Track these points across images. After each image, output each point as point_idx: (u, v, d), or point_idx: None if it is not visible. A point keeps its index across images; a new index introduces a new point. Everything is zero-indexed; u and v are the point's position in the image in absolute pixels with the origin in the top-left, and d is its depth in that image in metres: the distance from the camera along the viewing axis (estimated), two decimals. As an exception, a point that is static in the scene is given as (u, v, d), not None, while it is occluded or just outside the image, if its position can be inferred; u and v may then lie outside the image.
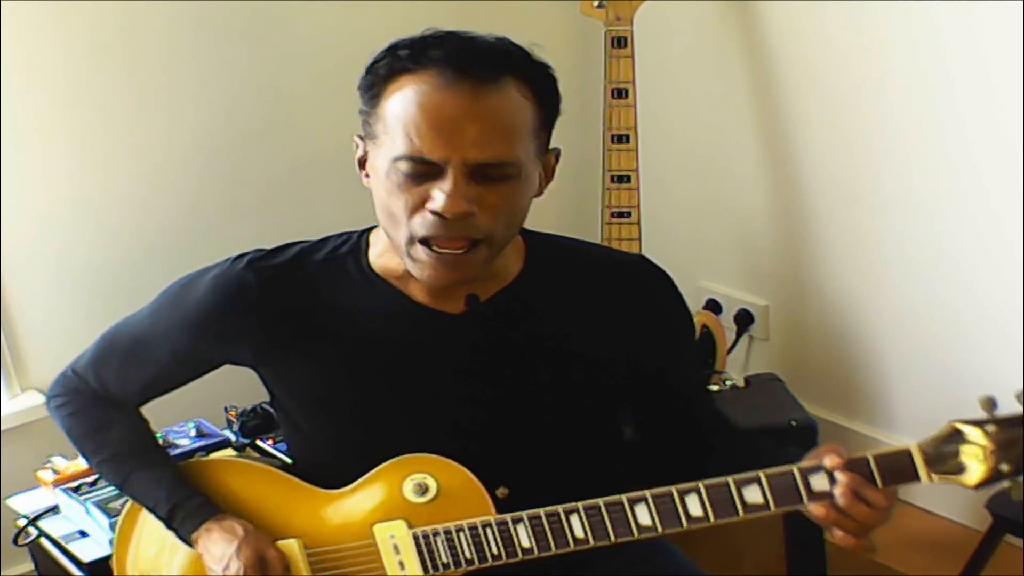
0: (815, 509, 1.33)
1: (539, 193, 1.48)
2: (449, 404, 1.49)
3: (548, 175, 1.48)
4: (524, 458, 1.49)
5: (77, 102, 2.43)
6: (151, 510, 1.58)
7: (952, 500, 2.61)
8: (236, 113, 2.61)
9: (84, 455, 1.66)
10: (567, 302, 1.51)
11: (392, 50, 1.41)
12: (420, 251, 1.39)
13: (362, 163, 1.46)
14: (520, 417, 1.49)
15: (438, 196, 1.35)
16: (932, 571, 2.46)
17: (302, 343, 1.49)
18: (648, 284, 1.55)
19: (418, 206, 1.37)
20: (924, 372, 2.64)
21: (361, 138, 1.46)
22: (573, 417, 1.52)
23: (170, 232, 2.59)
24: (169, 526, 1.56)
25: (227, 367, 1.59)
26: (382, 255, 1.50)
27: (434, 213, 1.36)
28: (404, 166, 1.36)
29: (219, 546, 1.51)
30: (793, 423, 2.34)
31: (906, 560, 2.49)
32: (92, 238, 2.51)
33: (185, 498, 1.56)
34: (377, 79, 1.40)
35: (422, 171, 1.36)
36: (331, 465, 1.52)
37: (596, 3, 2.58)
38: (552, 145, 1.46)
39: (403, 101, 1.37)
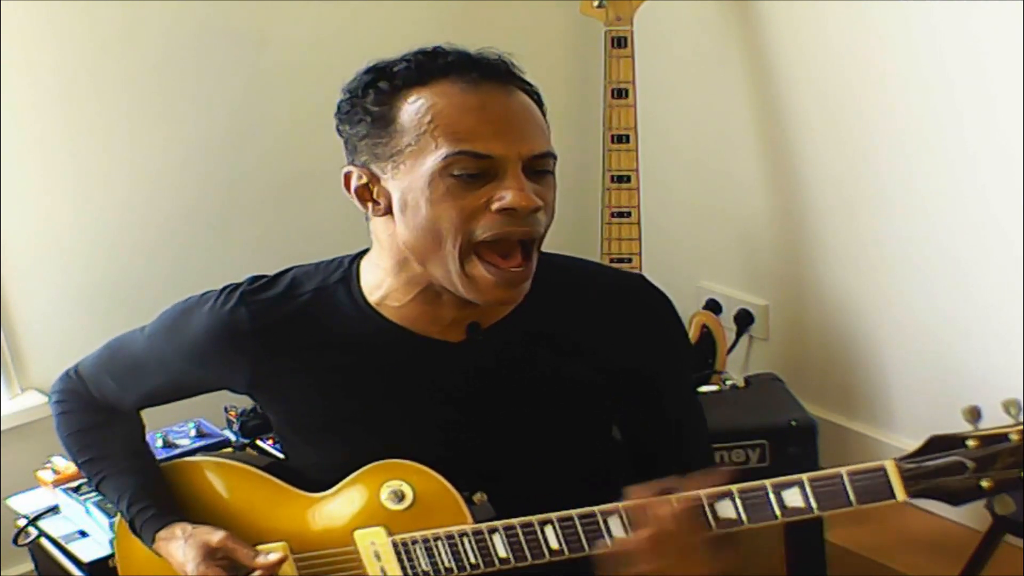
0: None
1: None
2: (442, 431, 1.48)
3: None
4: (507, 468, 1.48)
5: (77, 105, 2.44)
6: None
7: (952, 500, 2.61)
8: (236, 118, 2.62)
9: (70, 455, 1.69)
10: (568, 329, 1.48)
11: (384, 70, 1.37)
12: (479, 268, 1.34)
13: (364, 194, 1.41)
14: (510, 439, 1.48)
15: (507, 193, 1.30)
16: (932, 571, 2.45)
17: (294, 375, 1.49)
18: (649, 308, 1.52)
19: (478, 210, 1.32)
20: (924, 372, 2.63)
21: (359, 166, 1.40)
22: (562, 438, 1.51)
23: (170, 234, 2.60)
24: (136, 534, 1.61)
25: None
26: (376, 288, 1.46)
27: (505, 210, 1.31)
28: (459, 167, 1.30)
29: (173, 557, 1.55)
30: (793, 423, 2.33)
31: (906, 560, 2.48)
32: (93, 239, 2.52)
33: (139, 510, 1.59)
34: (381, 98, 1.36)
35: (481, 169, 1.31)
36: (322, 478, 1.52)
37: (596, 3, 2.58)
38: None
39: (435, 105, 1.32)
